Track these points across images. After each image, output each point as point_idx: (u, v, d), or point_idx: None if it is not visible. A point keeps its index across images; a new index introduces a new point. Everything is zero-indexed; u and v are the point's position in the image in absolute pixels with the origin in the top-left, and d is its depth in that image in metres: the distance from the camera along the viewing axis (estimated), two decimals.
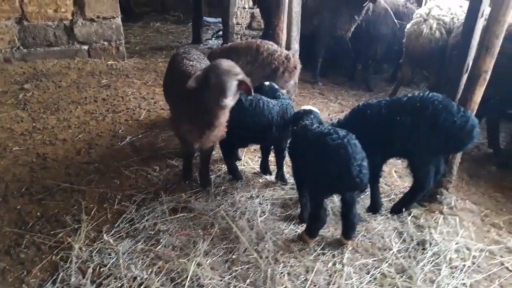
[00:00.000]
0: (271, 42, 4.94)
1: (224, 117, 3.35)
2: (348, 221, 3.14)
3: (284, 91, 4.93)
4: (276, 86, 4.14)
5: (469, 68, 3.45)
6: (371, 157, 3.40)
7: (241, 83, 3.20)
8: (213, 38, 10.79)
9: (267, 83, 4.13)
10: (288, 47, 6.23)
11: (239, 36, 8.89)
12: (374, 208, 3.73)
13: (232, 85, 3.09)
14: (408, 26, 6.67)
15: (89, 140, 4.70)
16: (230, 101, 3.07)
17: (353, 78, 8.38)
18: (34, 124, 5.03)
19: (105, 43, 7.75)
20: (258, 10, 8.70)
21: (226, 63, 3.17)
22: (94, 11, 7.42)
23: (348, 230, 3.17)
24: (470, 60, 3.45)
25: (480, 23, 3.33)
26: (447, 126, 3.22)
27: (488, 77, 3.42)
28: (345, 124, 3.54)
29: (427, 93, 3.39)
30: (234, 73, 3.13)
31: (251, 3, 8.65)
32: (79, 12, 7.33)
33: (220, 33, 10.14)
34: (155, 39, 10.49)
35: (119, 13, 7.67)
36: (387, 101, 3.54)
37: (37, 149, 4.43)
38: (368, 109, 3.54)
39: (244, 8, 8.63)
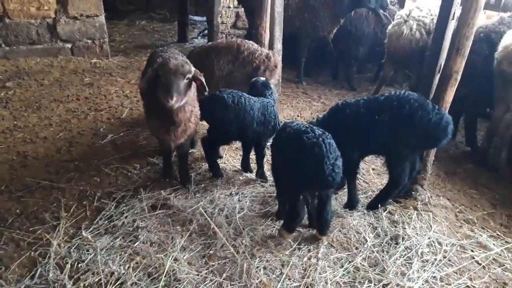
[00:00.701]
0: (251, 42, 5.00)
1: (183, 114, 3.36)
2: (322, 218, 3.22)
3: None
4: (272, 85, 4.22)
5: (441, 69, 3.56)
6: (348, 154, 3.53)
7: (194, 80, 3.22)
8: (199, 37, 10.78)
9: (262, 78, 4.21)
10: (271, 47, 6.28)
11: (224, 35, 8.92)
12: (351, 204, 3.82)
13: (179, 84, 3.09)
14: (389, 27, 6.79)
15: (70, 138, 4.71)
16: (176, 101, 3.07)
17: (336, 78, 8.49)
18: (15, 122, 5.01)
19: (89, 41, 7.71)
20: (243, 9, 8.75)
21: (175, 62, 3.15)
22: (78, 9, 7.38)
23: (322, 226, 3.25)
24: (442, 61, 3.56)
25: (451, 25, 3.44)
26: (423, 124, 3.34)
27: (459, 78, 3.53)
28: (324, 123, 3.63)
29: (403, 92, 3.51)
30: (182, 72, 3.12)
31: (235, 3, 8.70)
32: (62, 10, 7.29)
33: (206, 32, 10.15)
34: (140, 38, 10.45)
35: (103, 11, 7.64)
36: (365, 100, 3.64)
37: (17, 147, 4.43)
38: (347, 108, 3.63)
39: (229, 7, 8.67)
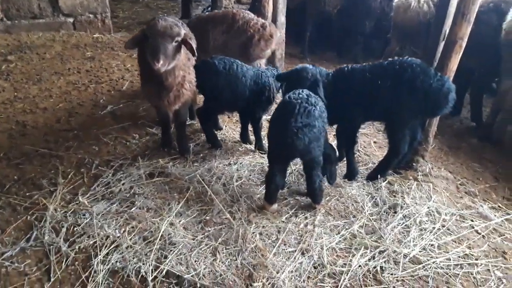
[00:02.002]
0: (248, 11, 4.90)
1: (173, 78, 3.28)
2: (309, 187, 3.19)
3: (262, 61, 4.92)
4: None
5: (446, 36, 3.45)
6: (350, 119, 3.48)
7: (184, 43, 3.14)
8: (203, 14, 10.65)
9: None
10: (274, 20, 6.17)
11: None
12: (351, 174, 3.78)
13: (166, 47, 3.00)
14: (396, 0, 6.63)
15: (70, 109, 4.69)
16: (163, 64, 3.00)
17: (341, 54, 8.34)
18: (15, 93, 5.00)
19: (91, 15, 7.62)
20: None
21: (163, 23, 3.05)
22: None
23: (312, 195, 3.23)
24: (447, 28, 3.45)
25: None
26: (424, 88, 3.29)
27: (464, 44, 3.42)
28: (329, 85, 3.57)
29: (406, 57, 3.46)
30: (170, 34, 3.02)
31: None
32: None
33: (210, 8, 10.00)
34: (144, 14, 10.32)
35: None
36: (371, 65, 3.61)
37: (17, 117, 4.42)
38: (353, 73, 3.58)
39: None
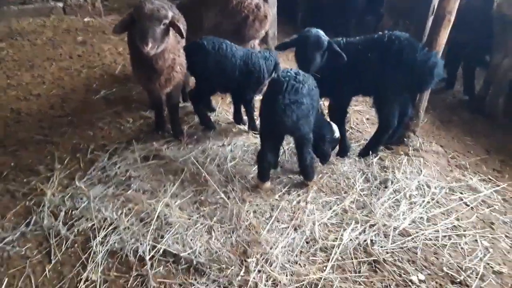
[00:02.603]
0: None
1: (163, 61, 3.29)
2: (300, 164, 3.26)
3: (256, 42, 4.90)
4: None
5: (435, 10, 3.46)
6: (339, 93, 3.52)
7: (172, 26, 3.15)
8: None
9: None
10: None
11: None
12: (343, 151, 3.84)
13: (154, 30, 2.99)
14: None
15: (63, 94, 4.71)
16: (152, 48, 2.99)
17: (334, 31, 8.27)
18: (8, 81, 5.00)
19: None
20: None
21: (150, 6, 3.03)
22: None
23: (303, 173, 3.30)
24: (435, 2, 3.44)
25: None
26: (410, 61, 3.34)
27: (452, 18, 3.43)
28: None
29: (395, 31, 3.51)
30: (158, 17, 3.01)
31: None
32: None
33: None
34: None
35: None
36: (363, 38, 3.66)
37: (11, 105, 4.45)
38: (347, 45, 3.63)
39: None
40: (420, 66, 3.33)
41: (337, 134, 3.52)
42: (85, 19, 7.46)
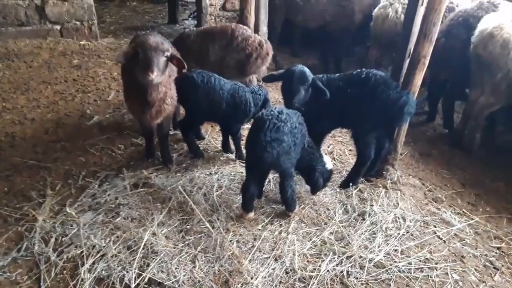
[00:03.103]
0: (245, 27, 5.06)
1: (157, 93, 3.49)
2: (282, 196, 3.46)
3: (255, 76, 5.13)
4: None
5: (411, 53, 3.71)
6: (321, 125, 3.84)
7: (172, 59, 3.38)
8: (190, 19, 10.79)
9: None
10: (256, 30, 6.40)
11: (213, 17, 8.94)
12: None
13: (159, 60, 3.23)
14: (376, 10, 6.87)
15: (57, 119, 4.86)
16: (156, 76, 3.21)
17: (324, 60, 8.55)
18: (4, 104, 5.15)
19: (77, 23, 7.75)
20: None
21: (153, 39, 3.29)
22: None
23: (285, 203, 3.49)
24: (411, 46, 3.70)
25: (420, 11, 3.56)
26: (383, 98, 3.61)
27: (427, 62, 3.68)
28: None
29: (372, 69, 3.80)
30: (162, 48, 3.26)
31: None
32: None
33: (196, 13, 10.15)
34: (131, 19, 10.46)
35: None
36: (343, 74, 3.95)
37: (6, 128, 4.58)
38: (329, 81, 3.87)
39: None
40: (392, 103, 3.60)
41: (329, 166, 3.71)
42: (81, 42, 7.67)
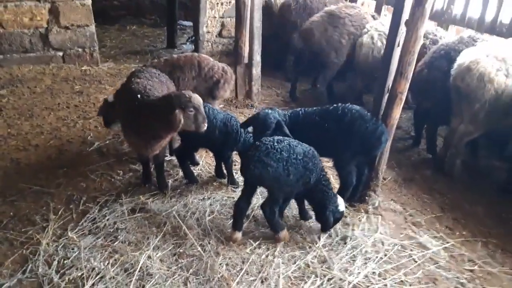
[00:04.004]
0: (207, 56, 5.39)
1: None
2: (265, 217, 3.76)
3: (217, 102, 5.44)
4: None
5: (389, 89, 4.03)
6: None
7: None
8: (188, 43, 11.18)
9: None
10: (250, 59, 6.78)
11: (210, 43, 9.34)
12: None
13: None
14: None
15: (60, 146, 5.15)
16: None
17: (316, 86, 8.86)
18: (9, 130, 5.44)
19: (79, 49, 8.10)
20: (228, 19, 9.18)
21: (193, 95, 3.70)
22: (69, 19, 7.76)
23: (268, 224, 3.79)
24: (390, 82, 4.02)
25: (397, 52, 3.90)
26: (361, 131, 3.94)
27: (404, 97, 4.00)
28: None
29: (347, 104, 4.14)
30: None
31: (221, 13, 9.13)
32: (54, 20, 7.67)
33: (194, 38, 10.54)
34: (131, 43, 10.80)
35: (93, 21, 8.02)
36: (320, 109, 4.25)
37: (11, 154, 4.87)
38: (306, 115, 4.23)
39: (214, 17, 9.06)
40: (370, 135, 3.94)
41: (341, 208, 3.83)
42: (83, 68, 8.00)
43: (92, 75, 7.77)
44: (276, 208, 3.69)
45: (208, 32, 9.13)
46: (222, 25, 9.29)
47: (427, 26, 6.34)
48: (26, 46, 7.67)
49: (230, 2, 8.96)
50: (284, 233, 3.79)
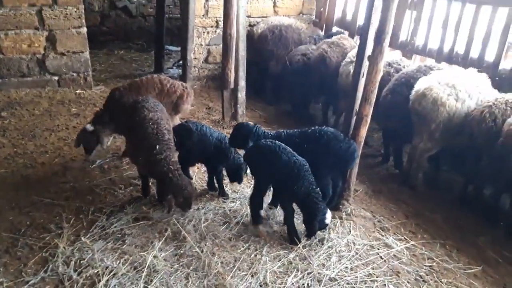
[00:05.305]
0: (164, 76, 6.02)
1: None
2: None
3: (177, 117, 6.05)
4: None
5: (356, 113, 4.76)
6: None
7: None
8: (174, 67, 11.77)
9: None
10: (236, 84, 7.45)
11: (197, 69, 9.99)
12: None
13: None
14: (340, 67, 7.94)
15: (64, 163, 5.65)
16: None
17: (297, 108, 9.46)
18: (15, 149, 5.90)
19: (74, 74, 8.58)
20: (213, 47, 9.89)
21: (190, 188, 4.45)
22: (65, 46, 8.30)
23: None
24: (357, 107, 4.76)
25: (362, 81, 4.64)
26: (335, 150, 4.64)
27: (369, 119, 4.73)
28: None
29: (323, 127, 4.85)
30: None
31: (207, 41, 9.83)
32: (51, 47, 8.18)
33: (181, 62, 11.16)
34: (119, 67, 11.27)
35: (87, 48, 8.58)
36: (299, 131, 4.94)
37: (21, 172, 5.33)
38: (288, 136, 4.88)
39: (201, 45, 9.76)
40: (344, 152, 4.65)
41: (327, 220, 4.37)
42: (77, 91, 8.50)
43: (86, 98, 8.28)
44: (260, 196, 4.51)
45: (195, 58, 9.78)
46: (208, 52, 9.98)
47: (393, 55, 7.26)
48: (24, 71, 8.13)
49: (215, 31, 9.68)
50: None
